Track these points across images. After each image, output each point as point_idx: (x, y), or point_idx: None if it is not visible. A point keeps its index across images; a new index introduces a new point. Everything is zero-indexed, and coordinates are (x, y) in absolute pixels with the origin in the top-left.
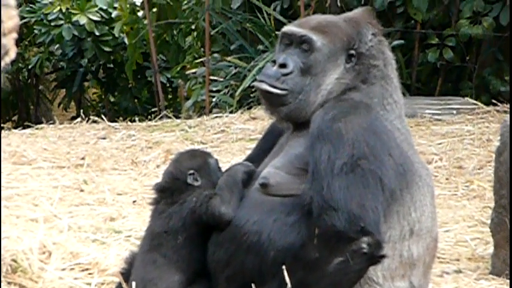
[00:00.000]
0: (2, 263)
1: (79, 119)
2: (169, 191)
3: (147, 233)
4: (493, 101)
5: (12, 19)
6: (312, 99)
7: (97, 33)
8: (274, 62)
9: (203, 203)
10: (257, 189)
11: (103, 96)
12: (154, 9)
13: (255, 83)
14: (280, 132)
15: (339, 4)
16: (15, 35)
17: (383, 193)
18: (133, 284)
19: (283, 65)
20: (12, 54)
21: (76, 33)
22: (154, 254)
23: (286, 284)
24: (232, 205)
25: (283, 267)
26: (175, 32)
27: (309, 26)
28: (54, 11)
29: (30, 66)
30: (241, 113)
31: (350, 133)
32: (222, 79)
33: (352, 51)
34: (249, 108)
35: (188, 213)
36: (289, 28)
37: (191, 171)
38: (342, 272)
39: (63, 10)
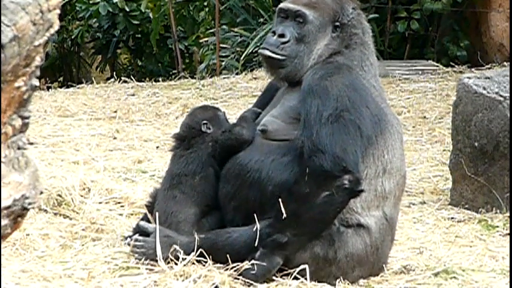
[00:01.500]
0: (49, 197)
1: (112, 80)
2: (186, 138)
3: (167, 174)
4: (451, 63)
5: None
6: (305, 63)
7: (127, 9)
8: (274, 32)
9: (226, 134)
10: (258, 134)
11: (132, 61)
12: None
13: (260, 50)
14: (276, 89)
15: None
16: (58, 11)
17: (361, 139)
18: (157, 214)
19: (281, 35)
20: (55, 26)
21: (110, 9)
22: (174, 190)
23: (282, 213)
24: (250, 130)
25: (280, 199)
26: (191, 8)
27: (302, 2)
28: None
29: (73, 37)
30: (245, 74)
31: (335, 89)
32: (229, 46)
33: (337, 23)
34: (252, 70)
35: (206, 157)
36: (285, 4)
37: (204, 121)
38: (328, 204)
39: None
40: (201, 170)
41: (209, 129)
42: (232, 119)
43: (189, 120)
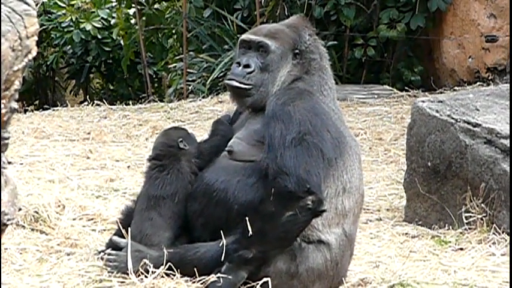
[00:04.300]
0: (26, 214)
1: (86, 103)
2: (164, 158)
3: (143, 195)
4: (406, 87)
5: (33, 25)
6: (269, 90)
7: (99, 37)
8: (238, 63)
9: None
10: (224, 155)
11: (104, 85)
12: (144, 18)
13: (226, 81)
14: (241, 112)
15: (286, 13)
16: (35, 38)
17: (323, 161)
18: (129, 230)
19: (246, 66)
20: (33, 52)
21: (83, 36)
22: (151, 212)
23: (249, 231)
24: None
25: (246, 218)
26: (160, 35)
27: (262, 33)
28: (67, 20)
29: (48, 63)
30: (211, 98)
31: (297, 114)
32: (196, 71)
33: (297, 50)
34: (217, 94)
35: (188, 176)
36: (247, 36)
37: (180, 139)
38: (292, 223)
39: (73, 19)
40: (183, 188)
41: (185, 145)
42: (199, 140)
43: (165, 140)
